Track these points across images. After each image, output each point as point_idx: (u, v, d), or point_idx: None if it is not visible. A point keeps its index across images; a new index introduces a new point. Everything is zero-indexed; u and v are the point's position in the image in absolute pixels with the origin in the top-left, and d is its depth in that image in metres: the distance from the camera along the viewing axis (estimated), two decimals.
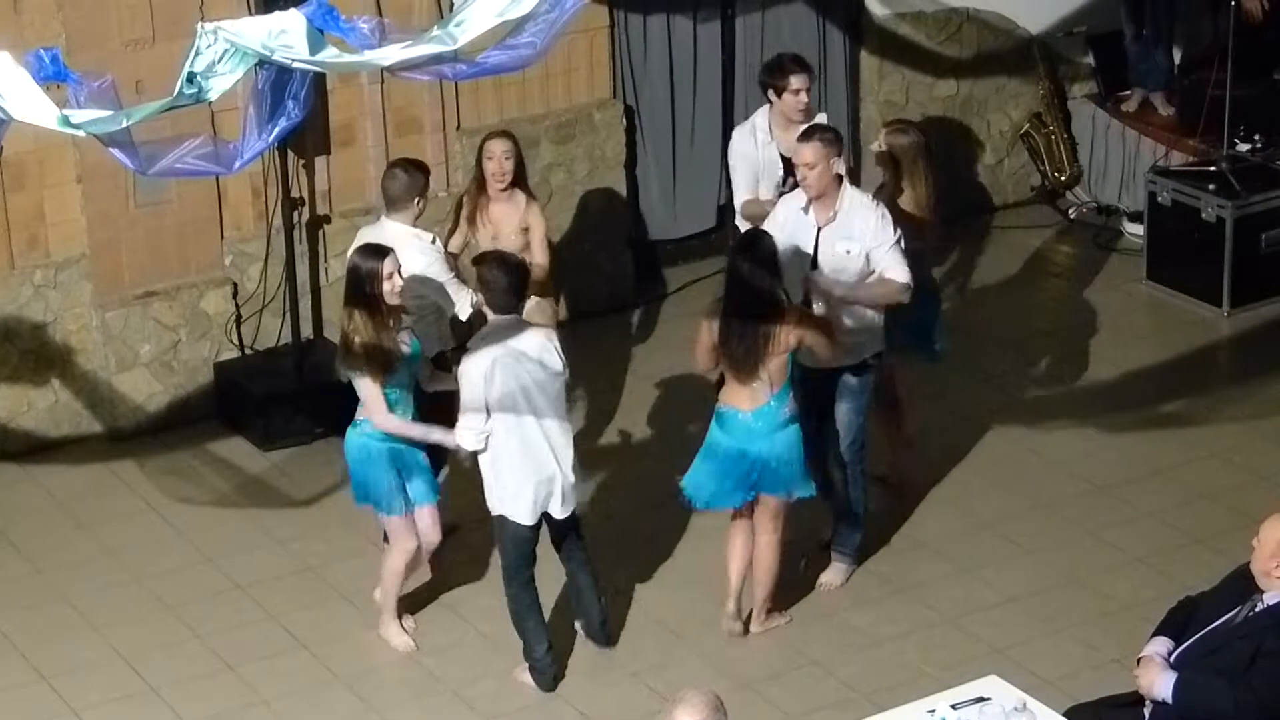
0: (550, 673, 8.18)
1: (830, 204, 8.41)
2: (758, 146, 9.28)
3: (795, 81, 9.20)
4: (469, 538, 9.15)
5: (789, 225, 8.46)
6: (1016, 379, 10.51)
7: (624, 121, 11.29)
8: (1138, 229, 11.90)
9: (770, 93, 9.31)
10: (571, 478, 8.03)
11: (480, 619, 8.64)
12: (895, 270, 8.36)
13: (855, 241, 8.38)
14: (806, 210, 8.46)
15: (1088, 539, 9.15)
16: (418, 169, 8.80)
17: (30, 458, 9.94)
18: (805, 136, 8.46)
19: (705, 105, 11.65)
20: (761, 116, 9.36)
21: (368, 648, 8.45)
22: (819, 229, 8.44)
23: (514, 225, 9.06)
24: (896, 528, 9.22)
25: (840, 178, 8.43)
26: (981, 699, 6.74)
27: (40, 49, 5.95)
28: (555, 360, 7.92)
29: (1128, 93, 12.49)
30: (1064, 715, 6.83)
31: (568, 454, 8.01)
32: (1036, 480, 9.63)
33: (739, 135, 9.44)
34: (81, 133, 5.91)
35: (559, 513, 8.04)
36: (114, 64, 8.81)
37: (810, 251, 8.44)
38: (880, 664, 8.28)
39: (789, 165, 9.07)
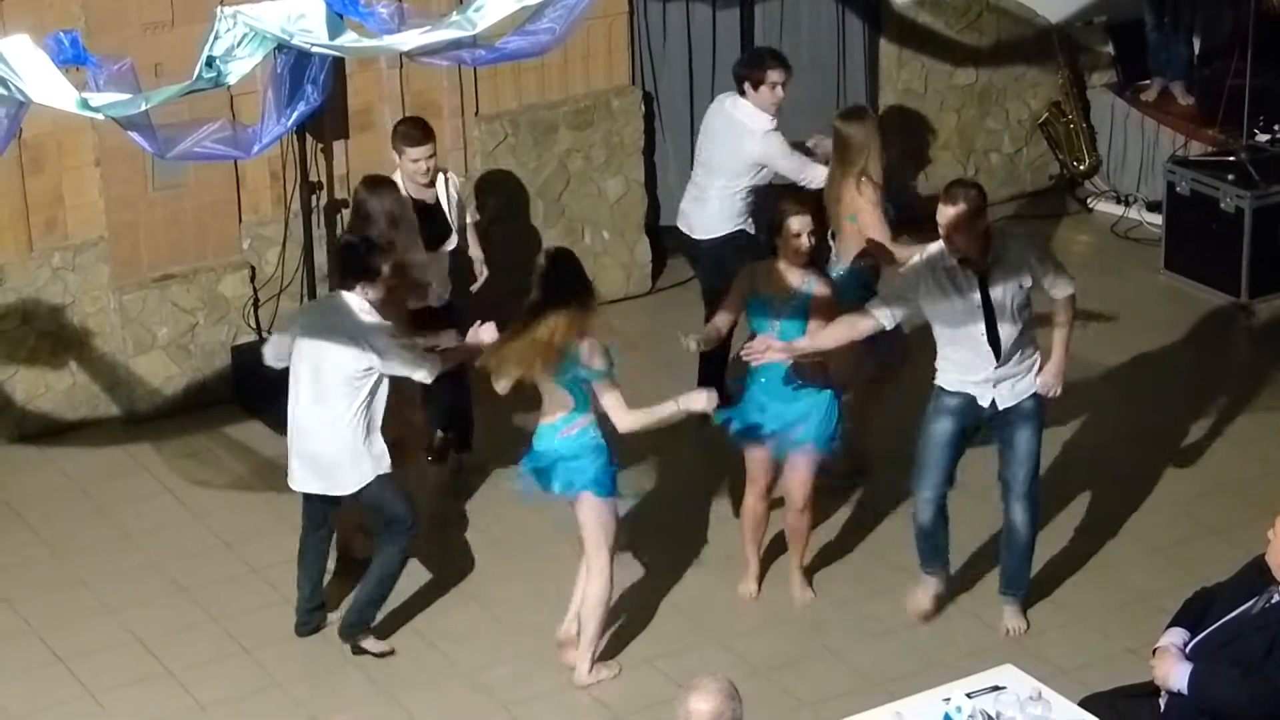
0: (304, 621, 8.42)
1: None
2: None
3: (774, 75, 9.48)
4: (489, 526, 9.16)
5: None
6: None
7: (642, 108, 11.29)
8: (1156, 219, 11.88)
9: (747, 85, 9.57)
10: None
11: (497, 606, 8.65)
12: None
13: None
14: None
15: (1104, 529, 9.14)
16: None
17: (48, 440, 9.96)
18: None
19: (723, 92, 11.61)
20: (737, 108, 9.64)
21: (382, 632, 8.45)
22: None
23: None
24: (907, 517, 9.19)
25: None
26: (997, 688, 6.73)
27: (60, 32, 5.96)
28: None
29: (1147, 82, 12.47)
30: (1079, 705, 6.82)
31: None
32: (1052, 470, 9.61)
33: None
34: (100, 116, 5.92)
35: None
36: (133, 47, 8.81)
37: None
38: (895, 652, 8.27)
39: None
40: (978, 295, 7.99)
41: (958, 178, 9.41)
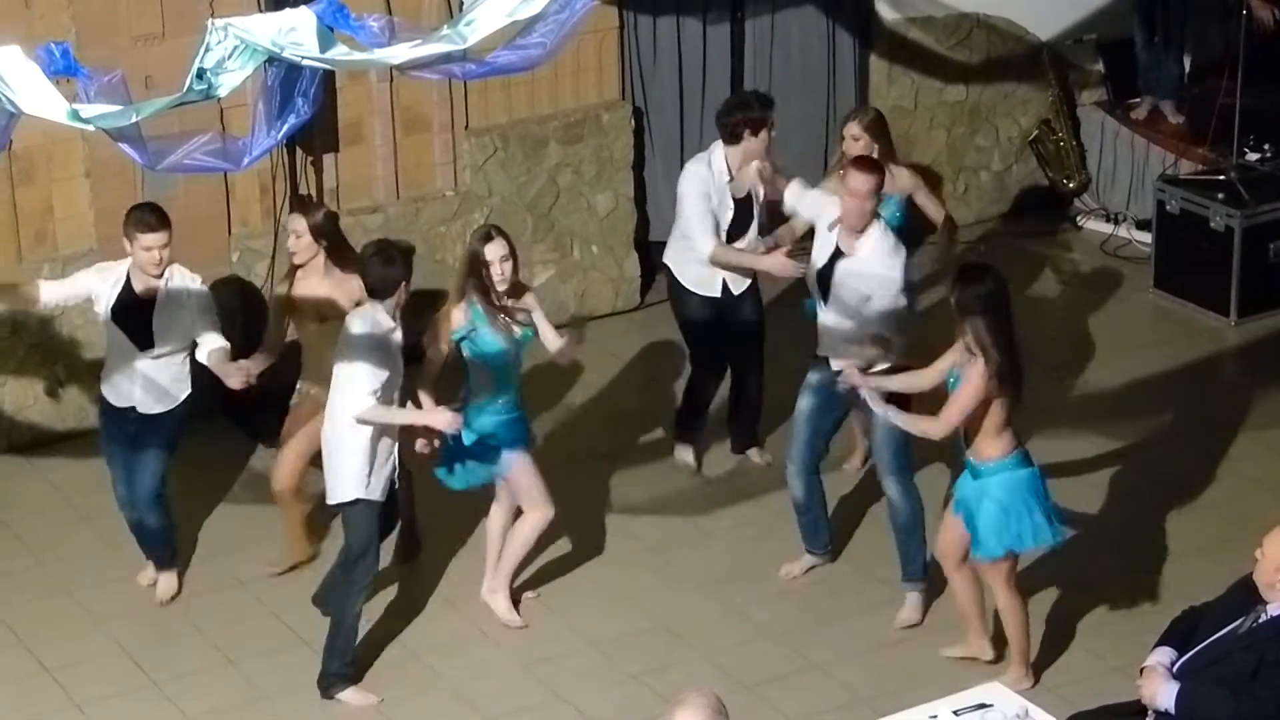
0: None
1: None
2: (714, 188, 9.20)
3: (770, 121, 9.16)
4: (468, 534, 9.15)
5: None
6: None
7: (632, 123, 11.29)
8: (1146, 237, 11.90)
9: (746, 131, 9.14)
10: None
11: (483, 617, 8.64)
12: None
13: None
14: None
15: (1091, 547, 9.14)
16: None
17: (35, 451, 9.94)
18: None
19: (714, 107, 11.54)
20: (719, 155, 9.24)
21: (369, 644, 8.44)
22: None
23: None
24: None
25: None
26: (983, 705, 6.73)
27: (51, 43, 5.96)
28: None
29: (1137, 100, 12.48)
30: None
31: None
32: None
33: (694, 170, 9.27)
34: (91, 127, 5.92)
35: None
36: (124, 59, 8.82)
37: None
38: (882, 669, 8.27)
39: (742, 208, 9.19)
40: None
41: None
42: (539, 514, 8.45)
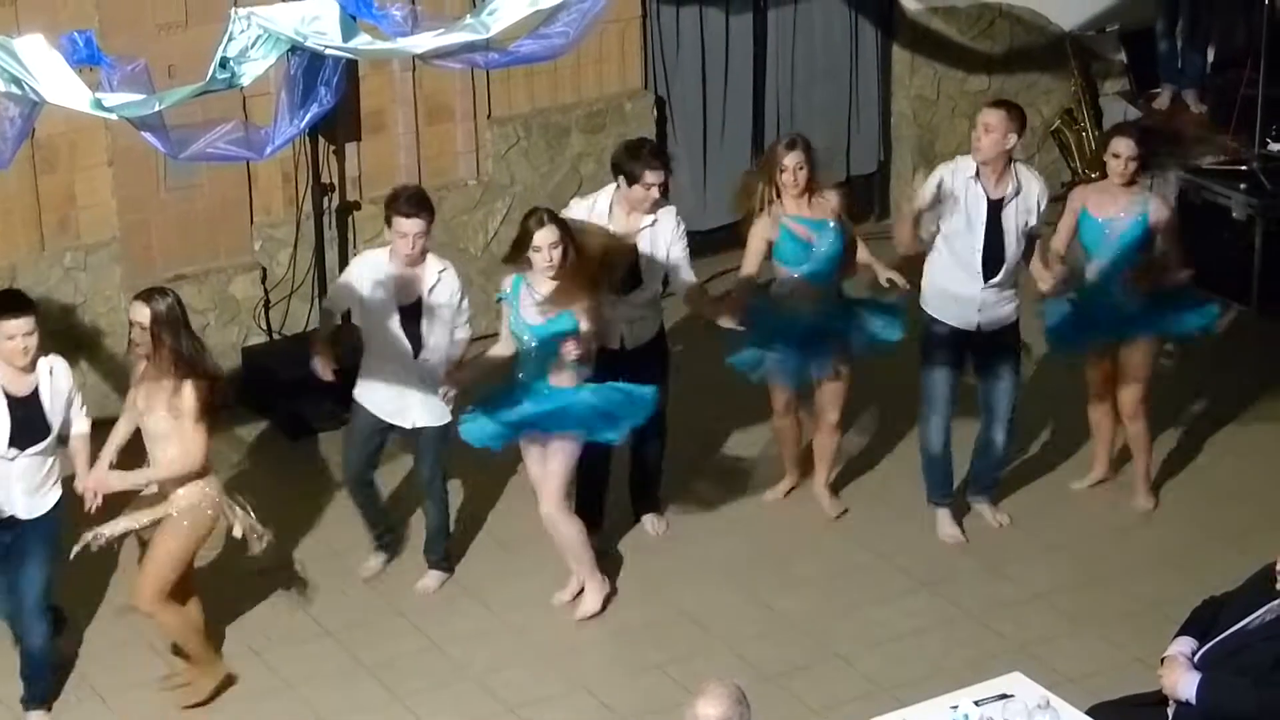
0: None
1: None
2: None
3: (651, 176, 8.61)
4: (495, 528, 9.16)
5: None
6: (1041, 374, 10.46)
7: (655, 112, 11.29)
8: None
9: (623, 179, 8.65)
10: None
11: (506, 609, 8.65)
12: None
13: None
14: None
15: (1113, 537, 9.13)
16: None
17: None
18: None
19: (736, 97, 11.64)
20: (605, 198, 8.78)
21: (393, 635, 8.46)
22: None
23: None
24: (922, 522, 9.21)
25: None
26: (1005, 695, 6.72)
27: (74, 32, 5.96)
28: None
29: (1159, 90, 12.45)
30: (1087, 713, 6.82)
31: None
32: (1060, 478, 9.62)
33: (576, 210, 8.80)
34: (114, 116, 5.93)
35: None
36: (147, 48, 8.82)
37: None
38: (903, 659, 8.27)
39: None
40: (985, 210, 8.60)
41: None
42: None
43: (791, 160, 8.67)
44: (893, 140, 12.23)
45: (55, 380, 7.63)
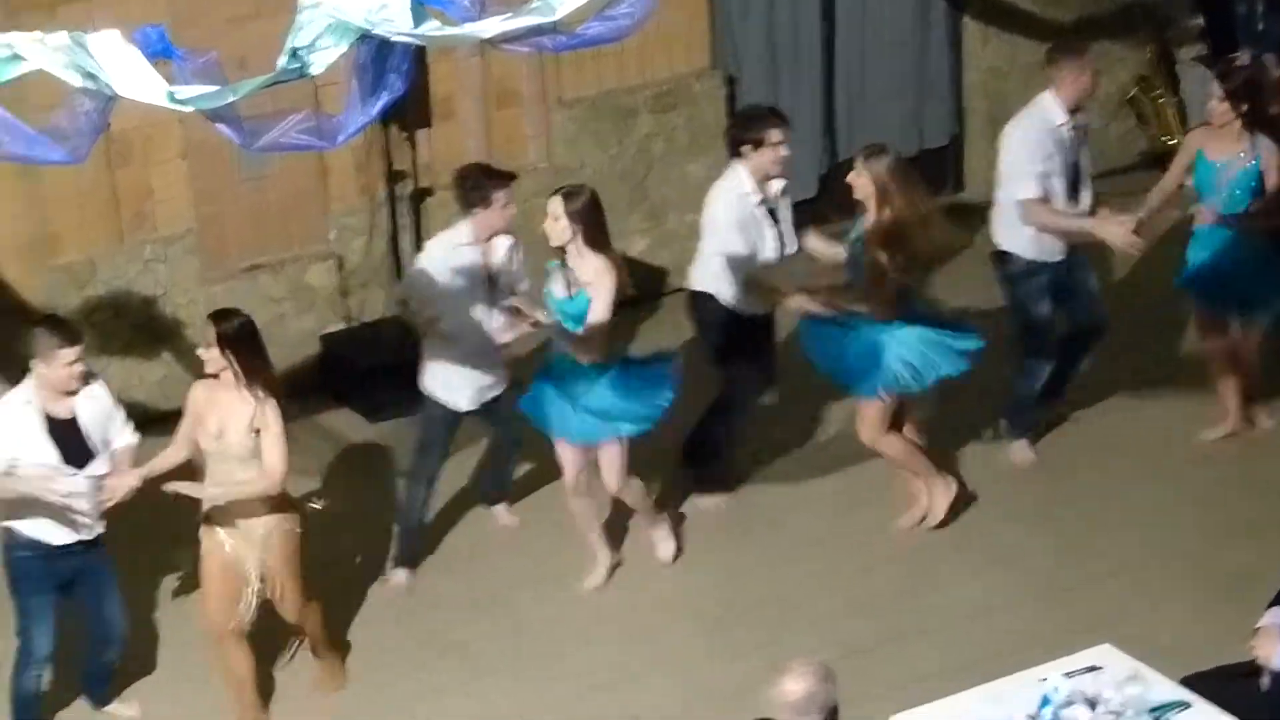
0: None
1: None
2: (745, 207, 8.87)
3: (777, 134, 8.76)
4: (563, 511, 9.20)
5: None
6: (1126, 343, 10.39)
7: (724, 90, 11.25)
8: None
9: (748, 148, 8.81)
10: None
11: (592, 594, 8.70)
12: None
13: None
14: None
15: (1201, 508, 9.06)
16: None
17: (140, 430, 10.00)
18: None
19: (805, 73, 11.58)
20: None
21: (471, 617, 8.48)
22: None
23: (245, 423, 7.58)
24: (1002, 498, 9.17)
25: None
26: (1094, 668, 6.69)
27: (147, 26, 5.99)
28: None
29: (1238, 54, 12.31)
30: (1179, 684, 6.76)
31: None
32: (1147, 451, 9.54)
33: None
34: (188, 108, 5.95)
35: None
36: (218, 40, 8.85)
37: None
38: (989, 633, 8.23)
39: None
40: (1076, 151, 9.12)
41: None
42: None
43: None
44: (965, 115, 12.15)
45: (94, 400, 7.65)
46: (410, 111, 10.03)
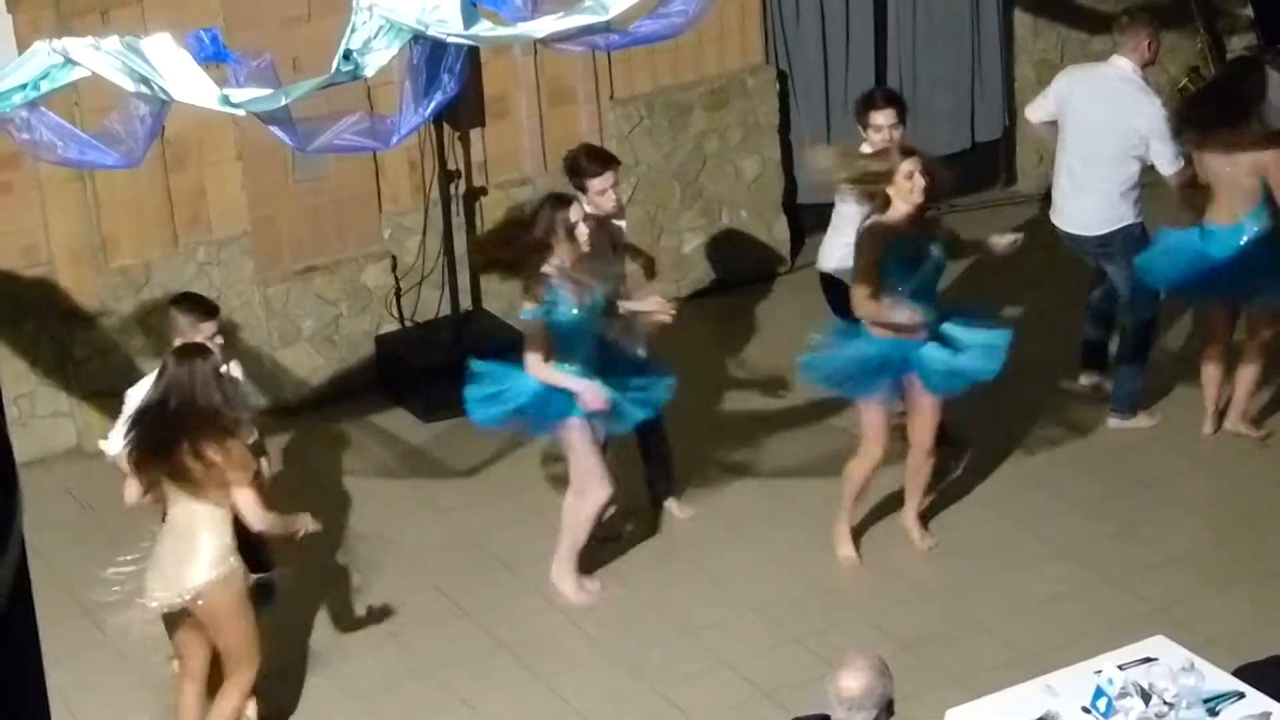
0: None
1: None
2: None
3: (881, 117, 8.90)
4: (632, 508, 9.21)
5: None
6: (1174, 335, 10.37)
7: (777, 86, 11.26)
8: None
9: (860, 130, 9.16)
10: None
11: (643, 587, 8.69)
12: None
13: None
14: None
15: (1252, 497, 9.03)
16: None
17: None
18: None
19: (858, 67, 11.57)
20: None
21: (531, 615, 8.51)
22: None
23: None
24: (1054, 487, 9.16)
25: None
26: (1149, 659, 6.67)
27: (200, 30, 6.05)
28: None
29: None
30: (1233, 675, 6.75)
31: None
32: (1198, 438, 9.52)
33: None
34: (242, 111, 6.00)
35: None
36: (271, 42, 8.91)
37: None
38: (1044, 625, 8.23)
39: None
40: None
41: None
42: (595, 495, 8.42)
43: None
44: (1017, 107, 12.11)
45: (233, 381, 7.78)
46: (464, 111, 10.06)
